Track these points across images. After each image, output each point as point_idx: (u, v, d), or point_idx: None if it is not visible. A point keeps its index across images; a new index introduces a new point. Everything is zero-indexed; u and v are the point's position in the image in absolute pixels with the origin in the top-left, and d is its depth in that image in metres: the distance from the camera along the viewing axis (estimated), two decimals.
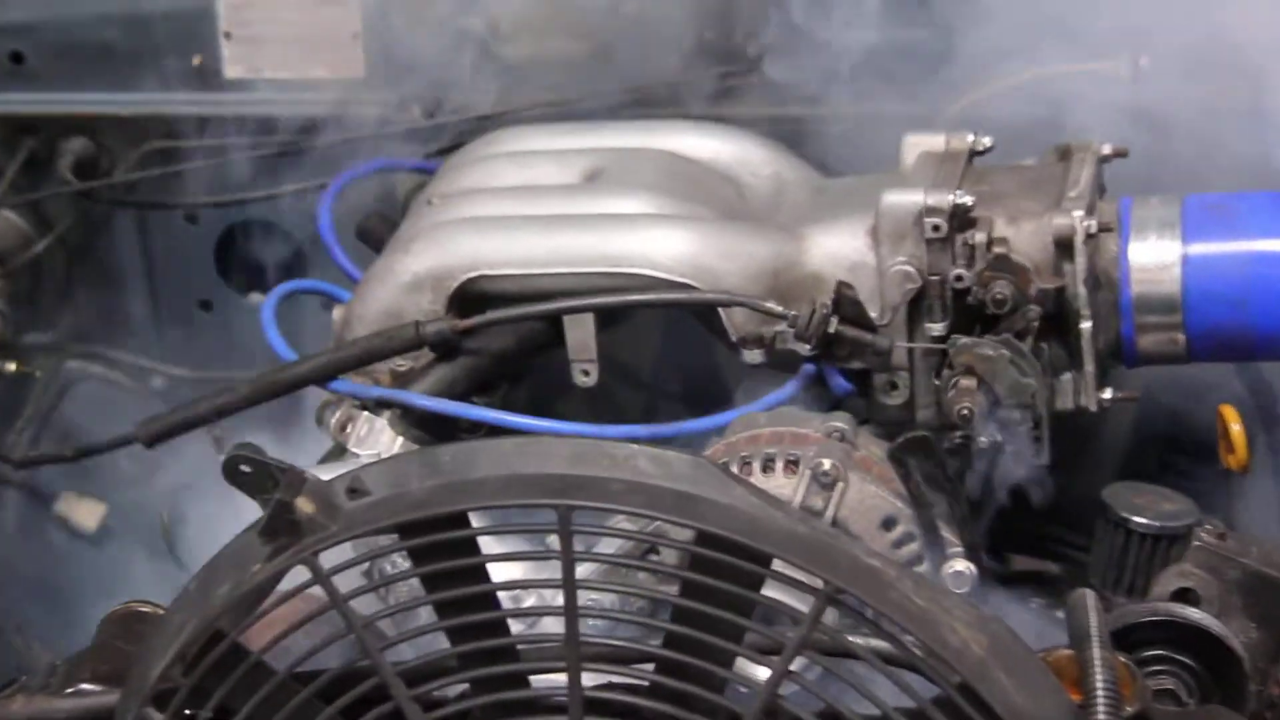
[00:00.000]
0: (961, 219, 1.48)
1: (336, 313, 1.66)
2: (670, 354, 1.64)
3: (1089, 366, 1.48)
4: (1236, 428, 1.56)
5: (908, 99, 1.74)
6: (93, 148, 2.11)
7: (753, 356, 1.54)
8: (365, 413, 1.56)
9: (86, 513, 2.13)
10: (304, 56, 2.04)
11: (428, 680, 1.11)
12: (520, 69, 1.91)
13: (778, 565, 1.06)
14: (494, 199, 1.66)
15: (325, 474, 1.47)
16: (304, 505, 1.10)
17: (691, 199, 1.63)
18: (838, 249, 1.55)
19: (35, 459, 1.93)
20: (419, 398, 1.56)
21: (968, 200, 1.48)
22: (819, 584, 1.05)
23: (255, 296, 2.19)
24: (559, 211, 1.62)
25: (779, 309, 1.49)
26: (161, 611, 1.29)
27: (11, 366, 2.02)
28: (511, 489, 1.09)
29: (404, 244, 1.63)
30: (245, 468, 1.11)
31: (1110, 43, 1.68)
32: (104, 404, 2.24)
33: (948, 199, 1.48)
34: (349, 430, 1.56)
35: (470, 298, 1.58)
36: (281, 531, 1.10)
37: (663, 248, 1.55)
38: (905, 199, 1.50)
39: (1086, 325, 1.47)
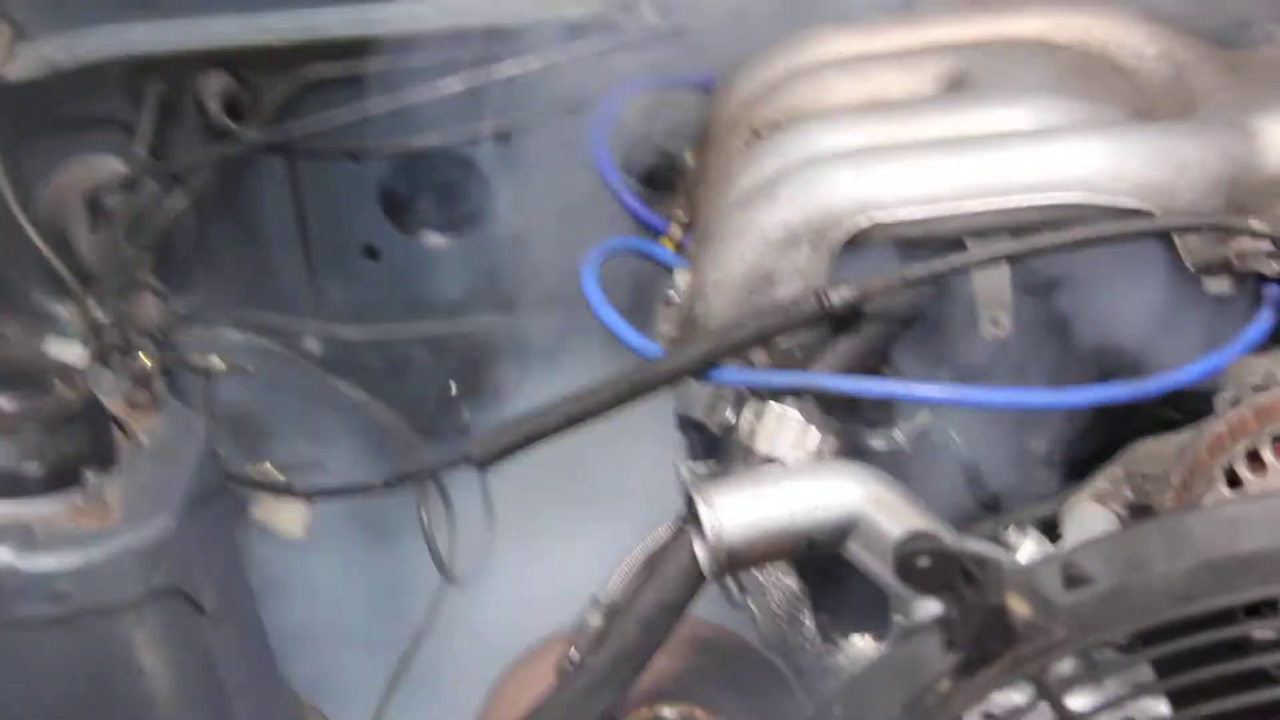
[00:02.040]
0: None
1: (680, 279, 1.38)
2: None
3: None
4: None
5: None
6: (234, 84, 1.78)
7: (1218, 285, 1.28)
8: (773, 403, 1.29)
9: (289, 518, 1.81)
10: None
11: None
12: None
13: None
14: (851, 122, 1.37)
15: (732, 492, 1.20)
16: (1018, 606, 0.85)
17: (1093, 98, 1.36)
18: None
19: (335, 489, 1.59)
20: (837, 379, 1.28)
21: None
22: None
23: (431, 237, 1.89)
24: (944, 132, 1.34)
25: (1264, 227, 1.24)
26: None
27: (221, 364, 1.67)
28: None
29: (765, 191, 1.34)
30: (924, 561, 0.85)
31: None
32: (266, 376, 1.93)
33: None
34: (758, 428, 1.28)
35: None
36: (992, 641, 0.85)
37: (1096, 164, 1.28)
38: None
39: None
